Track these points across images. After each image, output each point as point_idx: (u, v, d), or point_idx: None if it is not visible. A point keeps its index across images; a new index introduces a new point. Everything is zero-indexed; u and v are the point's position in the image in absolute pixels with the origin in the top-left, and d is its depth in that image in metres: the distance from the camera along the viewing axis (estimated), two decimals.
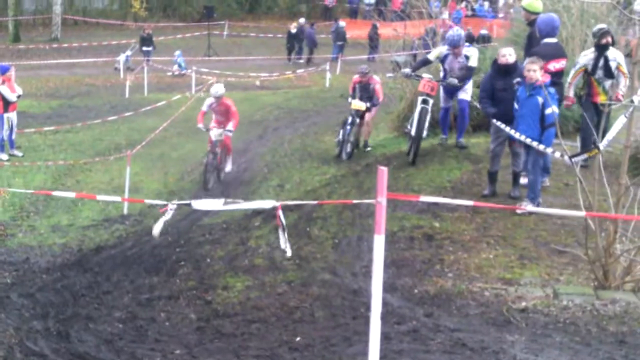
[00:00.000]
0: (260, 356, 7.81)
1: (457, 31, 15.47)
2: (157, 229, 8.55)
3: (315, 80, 34.59)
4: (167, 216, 7.93)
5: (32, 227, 14.97)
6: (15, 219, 15.46)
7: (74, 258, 12.92)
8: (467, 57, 15.12)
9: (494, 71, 12.71)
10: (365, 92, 18.26)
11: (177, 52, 37.86)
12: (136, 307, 9.85)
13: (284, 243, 7.55)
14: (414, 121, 14.95)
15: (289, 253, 7.89)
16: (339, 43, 41.42)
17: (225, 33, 49.45)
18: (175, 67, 36.98)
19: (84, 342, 8.60)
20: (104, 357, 8.12)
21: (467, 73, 15.19)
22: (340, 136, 18.10)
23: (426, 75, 15.43)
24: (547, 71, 11.80)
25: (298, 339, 8.14)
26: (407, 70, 15.69)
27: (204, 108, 17.83)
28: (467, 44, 15.81)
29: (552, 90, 11.32)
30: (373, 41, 39.85)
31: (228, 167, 18.21)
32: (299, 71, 35.64)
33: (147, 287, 10.62)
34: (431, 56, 15.62)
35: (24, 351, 8.15)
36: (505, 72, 12.43)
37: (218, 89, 17.75)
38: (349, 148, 18.01)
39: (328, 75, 33.43)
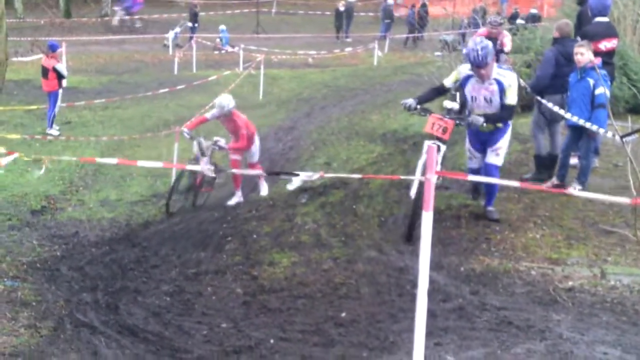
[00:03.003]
0: (305, 331, 7.87)
1: (481, 42, 10.11)
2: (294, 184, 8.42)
3: (363, 59, 34.47)
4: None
5: (82, 202, 15.13)
6: (64, 193, 15.64)
7: (123, 232, 13.05)
8: (501, 87, 10.23)
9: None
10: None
11: (222, 27, 37.93)
12: (183, 281, 9.96)
13: (295, 182, 7.68)
14: (415, 178, 10.32)
15: (290, 188, 8.00)
16: (387, 21, 41.18)
17: (273, 10, 49.56)
18: (217, 40, 37.05)
19: (133, 314, 8.71)
20: (151, 330, 8.23)
21: (503, 113, 10.38)
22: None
23: (448, 104, 11.11)
24: (598, 51, 11.67)
25: (343, 314, 8.19)
26: (411, 100, 10.65)
27: (208, 115, 14.35)
28: (504, 66, 11.02)
29: (603, 72, 11.20)
30: (422, 19, 39.63)
31: (231, 202, 14.12)
32: (348, 49, 35.53)
33: (194, 261, 10.71)
34: (448, 81, 10.86)
35: (74, 322, 8.27)
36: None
37: (226, 101, 13.85)
38: None
39: (376, 53, 33.27)
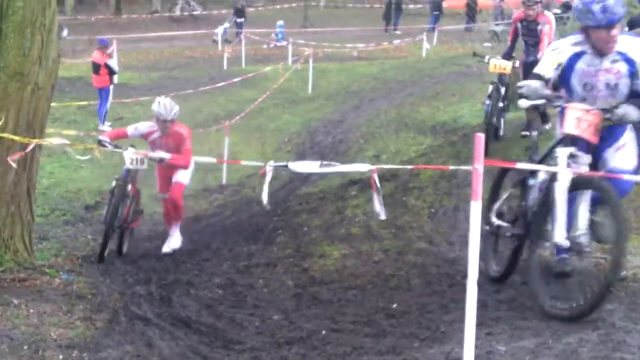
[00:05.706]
0: (356, 322, 7.89)
1: None
2: (265, 196, 8.28)
3: (411, 51, 34.33)
4: (268, 177, 7.85)
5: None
6: None
7: None
8: (631, 64, 6.63)
9: None
10: (531, 36, 12.97)
11: (280, 22, 38.09)
12: (235, 274, 10.03)
13: (378, 206, 7.46)
14: (555, 221, 7.11)
15: (382, 216, 7.77)
16: (436, 13, 40.96)
17: (321, 4, 49.54)
18: (272, 35, 37.20)
19: (186, 306, 8.79)
20: (204, 321, 8.30)
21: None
22: (487, 109, 13.41)
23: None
24: None
25: (394, 305, 8.20)
26: (537, 84, 6.76)
27: (130, 130, 11.75)
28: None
29: None
30: (471, 10, 39.38)
31: (168, 247, 11.49)
32: (396, 42, 35.41)
33: (245, 254, 10.79)
34: (546, 70, 6.91)
35: (128, 315, 8.37)
36: None
37: (170, 105, 11.38)
38: (501, 125, 13.63)
39: (425, 45, 33.13)
